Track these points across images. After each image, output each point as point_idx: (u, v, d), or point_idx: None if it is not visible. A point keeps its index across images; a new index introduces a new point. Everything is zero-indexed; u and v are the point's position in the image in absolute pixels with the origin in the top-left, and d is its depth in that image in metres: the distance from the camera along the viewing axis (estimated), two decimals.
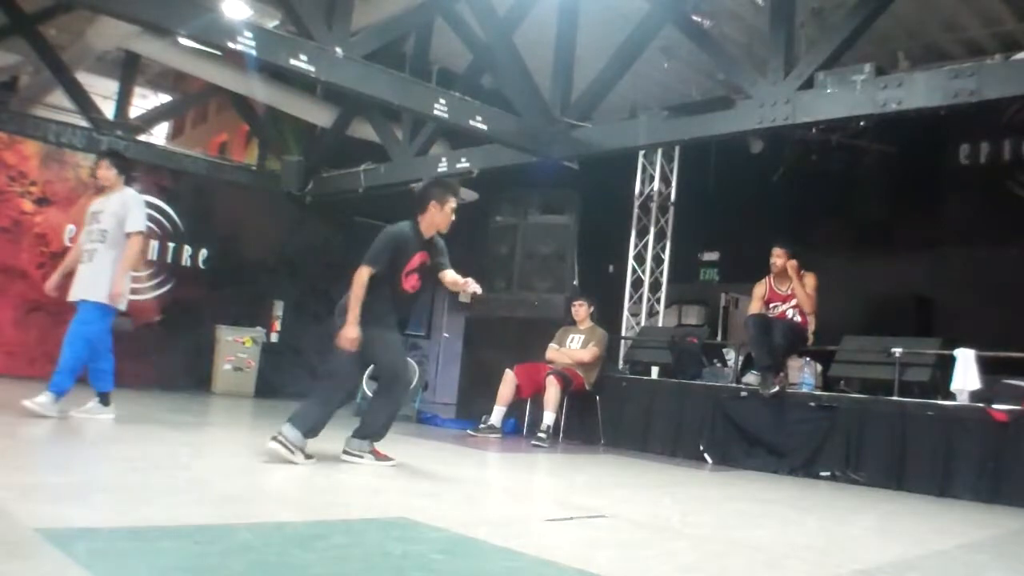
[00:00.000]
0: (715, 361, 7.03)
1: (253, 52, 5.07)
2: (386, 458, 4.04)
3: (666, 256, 8.99)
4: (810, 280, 6.27)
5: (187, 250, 8.94)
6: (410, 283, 4.11)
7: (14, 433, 4.12)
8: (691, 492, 4.73)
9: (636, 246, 9.01)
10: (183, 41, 7.13)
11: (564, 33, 6.95)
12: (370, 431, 4.04)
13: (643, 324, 8.69)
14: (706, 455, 6.13)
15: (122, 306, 4.90)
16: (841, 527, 3.71)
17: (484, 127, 6.39)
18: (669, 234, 9.03)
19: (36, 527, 2.03)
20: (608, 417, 6.92)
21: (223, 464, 3.92)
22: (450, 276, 4.20)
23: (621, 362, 7.93)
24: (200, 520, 2.40)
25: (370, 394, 6.43)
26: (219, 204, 9.23)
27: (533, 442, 6.25)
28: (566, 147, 6.88)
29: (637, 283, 8.94)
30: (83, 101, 8.81)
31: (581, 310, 7.09)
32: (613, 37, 6.84)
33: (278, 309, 9.62)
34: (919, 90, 4.96)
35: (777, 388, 5.83)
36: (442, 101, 6.15)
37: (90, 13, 7.87)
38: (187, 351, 8.78)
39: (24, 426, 4.29)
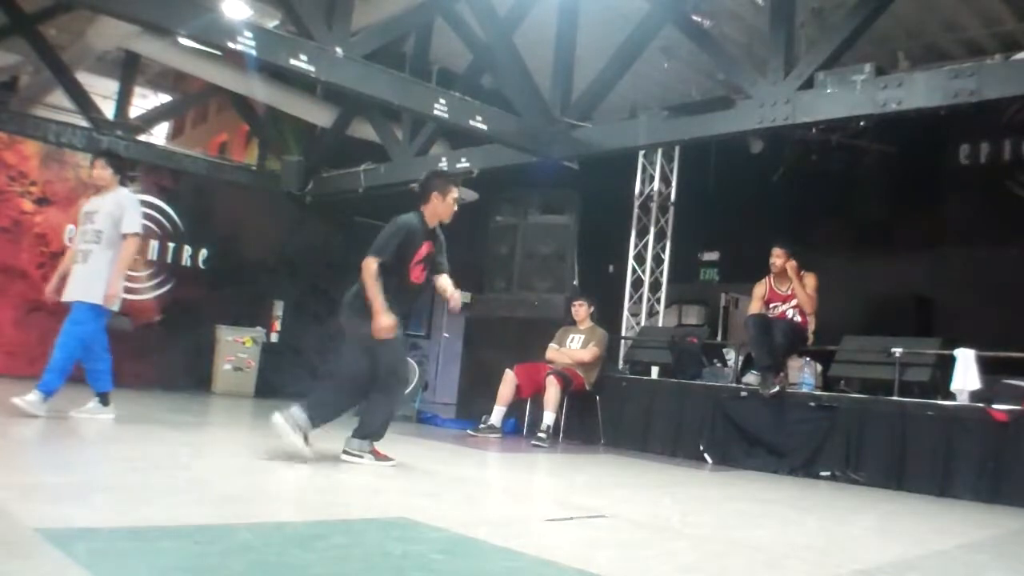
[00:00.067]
0: (715, 361, 7.03)
1: (253, 52, 5.07)
2: (386, 458, 4.03)
3: (666, 256, 8.99)
4: (810, 280, 6.27)
5: (187, 250, 8.94)
6: (416, 274, 4.11)
7: (14, 433, 4.12)
8: (691, 492, 4.73)
9: (636, 246, 9.01)
10: (183, 41, 7.13)
11: (564, 33, 6.95)
12: (369, 431, 4.04)
13: (643, 324, 8.68)
14: (706, 455, 6.13)
15: (115, 307, 4.86)
16: (841, 527, 3.71)
17: (484, 127, 6.39)
18: (669, 234, 9.02)
19: (36, 527, 2.03)
20: (608, 417, 6.92)
21: (223, 464, 3.92)
22: (443, 281, 4.21)
23: (621, 362, 7.93)
24: (200, 520, 2.40)
25: None
26: (219, 204, 9.23)
27: (533, 442, 6.25)
28: (566, 147, 6.88)
29: (637, 283, 8.94)
30: (83, 101, 8.81)
31: (581, 310, 7.09)
32: (613, 37, 6.84)
33: (278, 309, 9.62)
34: (919, 90, 4.96)
35: (777, 388, 5.83)
36: (442, 101, 6.15)
37: (90, 13, 7.87)
38: (187, 351, 8.78)
39: (24, 426, 4.29)
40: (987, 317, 6.79)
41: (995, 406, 4.91)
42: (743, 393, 6.13)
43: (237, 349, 8.75)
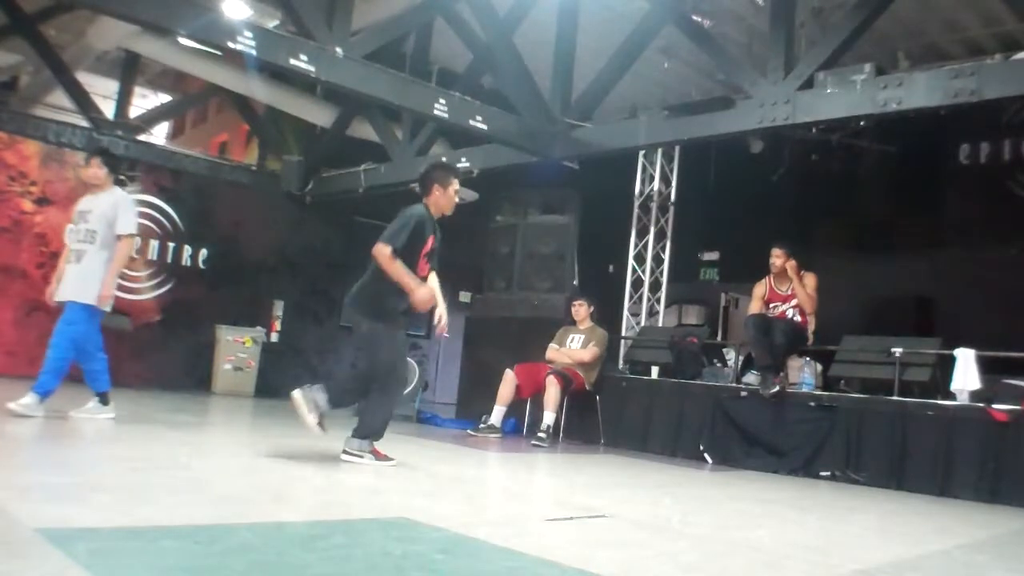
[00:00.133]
0: (715, 361, 7.03)
1: (253, 52, 5.07)
2: (386, 458, 4.03)
3: (666, 256, 8.99)
4: (810, 280, 6.27)
5: (187, 250, 8.94)
6: (422, 267, 4.10)
7: (14, 434, 4.12)
8: (691, 492, 4.73)
9: (636, 246, 9.01)
10: (183, 41, 7.13)
11: (564, 33, 6.95)
12: (369, 430, 4.04)
13: (643, 324, 8.69)
14: (706, 455, 6.12)
15: (107, 307, 4.83)
16: (841, 527, 3.71)
17: (484, 127, 6.39)
18: (669, 234, 9.03)
19: (36, 527, 2.03)
20: (608, 417, 6.92)
21: (223, 464, 3.92)
22: (432, 283, 4.18)
23: (621, 362, 7.92)
24: (200, 520, 2.40)
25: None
26: (219, 204, 9.23)
27: (533, 442, 6.25)
28: (566, 147, 6.88)
29: (637, 283, 8.94)
30: (83, 101, 8.82)
31: (581, 310, 7.08)
32: (613, 37, 6.85)
33: (278, 309, 9.62)
34: (919, 90, 4.96)
35: (777, 388, 5.83)
36: (442, 101, 6.15)
37: (90, 13, 7.88)
38: (187, 351, 8.79)
39: (24, 427, 4.29)
40: (987, 317, 6.79)
41: (995, 406, 4.91)
42: (743, 393, 6.13)
43: (237, 349, 8.75)
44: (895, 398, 5.38)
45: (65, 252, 4.93)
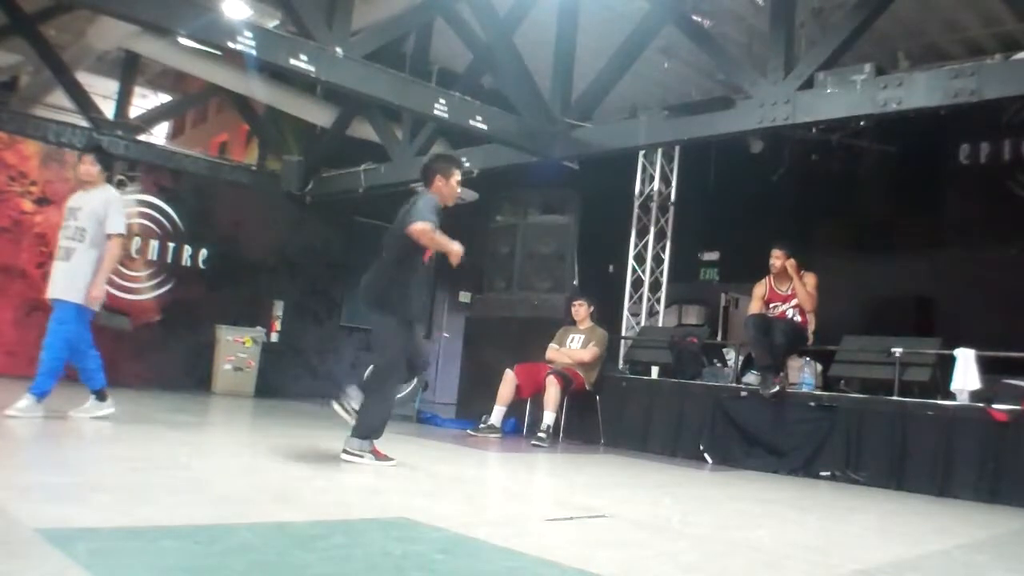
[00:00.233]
0: (715, 361, 7.02)
1: (253, 52, 5.07)
2: (386, 458, 4.03)
3: (666, 256, 8.99)
4: (810, 280, 6.28)
5: (187, 250, 8.94)
6: (429, 254, 4.17)
7: (14, 433, 4.12)
8: (691, 492, 4.73)
9: (636, 246, 9.01)
10: (183, 41, 7.12)
11: (564, 33, 6.95)
12: (368, 430, 4.03)
13: (643, 324, 8.69)
14: (706, 455, 6.12)
15: (97, 307, 4.80)
16: (841, 527, 3.71)
17: (484, 127, 6.39)
18: (669, 234, 9.03)
19: (36, 527, 2.03)
20: (608, 417, 6.92)
21: (223, 464, 3.92)
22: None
23: (621, 362, 7.92)
24: (200, 520, 2.40)
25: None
26: (219, 204, 9.23)
27: (533, 442, 6.25)
28: (566, 147, 6.88)
29: (637, 283, 8.94)
30: (83, 101, 8.82)
31: (581, 310, 7.08)
32: (613, 37, 6.84)
33: (278, 309, 9.62)
34: (919, 90, 4.96)
35: (777, 388, 5.83)
36: (442, 101, 6.15)
37: (90, 13, 7.88)
38: (187, 351, 8.79)
39: (23, 426, 4.29)
40: (987, 317, 6.79)
41: (995, 406, 4.91)
42: (743, 393, 6.13)
43: (237, 349, 8.75)
44: (895, 398, 5.38)
45: (56, 249, 4.89)
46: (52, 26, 8.80)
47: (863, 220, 8.63)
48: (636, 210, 9.07)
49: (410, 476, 3.89)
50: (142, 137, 9.47)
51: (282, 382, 9.34)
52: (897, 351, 5.50)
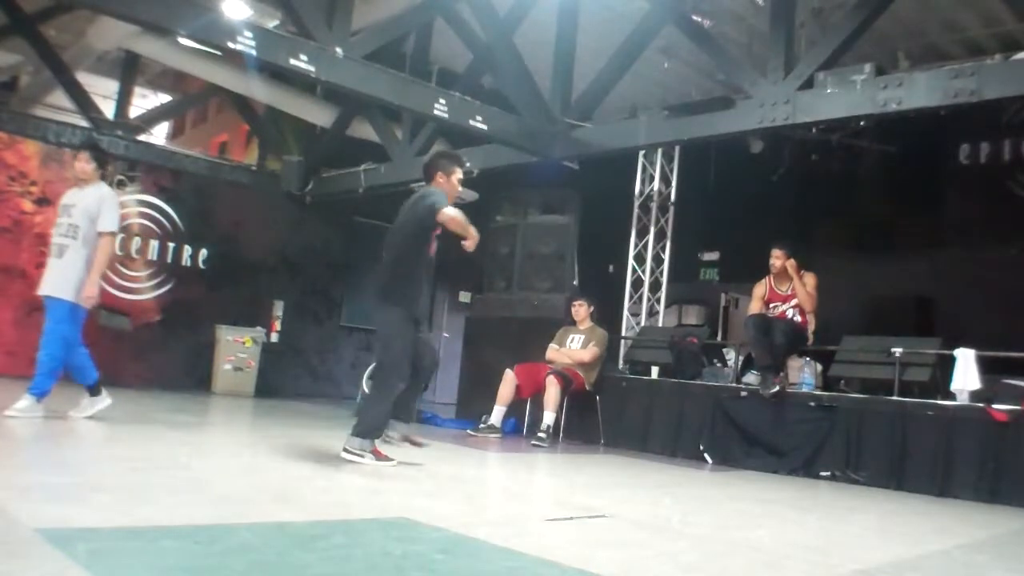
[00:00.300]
0: (715, 361, 7.02)
1: (253, 52, 5.07)
2: (386, 458, 4.03)
3: (666, 256, 8.99)
4: (810, 280, 6.27)
5: (187, 250, 8.94)
6: (433, 248, 4.21)
7: (13, 433, 4.12)
8: (691, 492, 4.73)
9: (636, 246, 9.01)
10: (183, 41, 7.12)
11: (564, 33, 6.95)
12: (368, 429, 4.03)
13: (643, 324, 8.69)
14: (706, 455, 6.12)
15: (90, 306, 4.77)
16: (841, 527, 3.71)
17: (484, 127, 6.39)
18: (669, 234, 9.03)
19: (36, 527, 2.03)
20: (608, 417, 6.92)
21: (223, 464, 3.92)
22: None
23: (621, 362, 7.92)
24: (200, 520, 2.40)
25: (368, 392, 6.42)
26: (219, 204, 9.23)
27: (533, 442, 6.25)
28: (566, 147, 6.88)
29: (637, 283, 8.94)
30: (83, 101, 8.82)
31: (581, 310, 7.08)
32: (613, 37, 6.85)
33: (278, 309, 9.63)
34: (919, 90, 4.96)
35: (777, 388, 5.83)
36: (442, 101, 6.15)
37: (90, 13, 7.88)
38: (187, 351, 8.79)
39: (23, 426, 4.29)
40: (987, 317, 6.79)
41: (995, 406, 4.90)
42: (743, 393, 6.13)
43: (237, 349, 8.75)
44: (895, 398, 5.38)
45: (49, 246, 4.86)
46: (52, 26, 8.80)
47: (863, 220, 8.63)
48: (636, 210, 9.07)
49: (410, 476, 3.89)
50: (142, 137, 9.48)
51: (282, 382, 9.34)
52: (897, 351, 5.50)
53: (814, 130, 7.18)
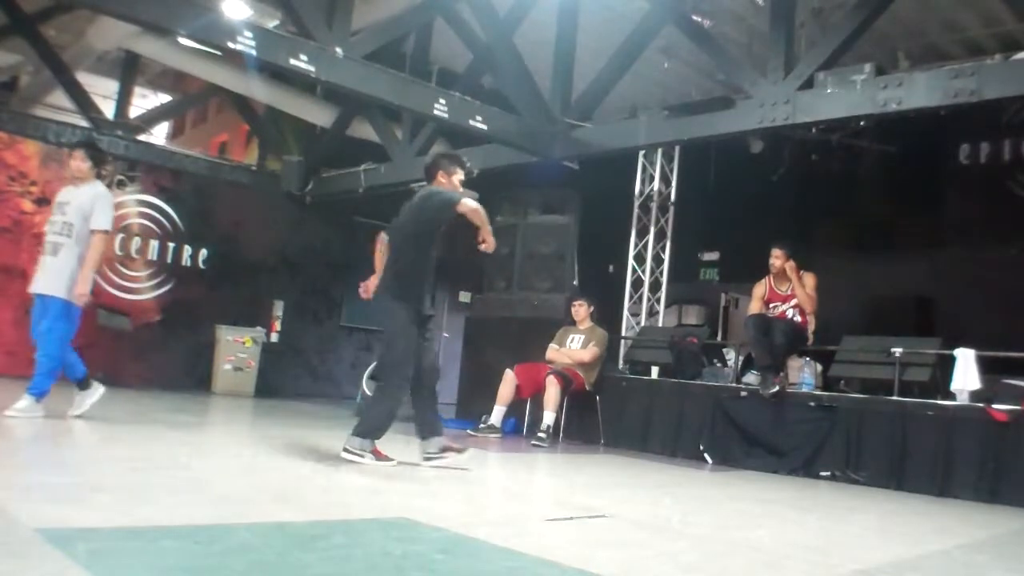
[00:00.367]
0: (715, 361, 7.02)
1: (253, 52, 5.07)
2: (387, 458, 4.03)
3: (666, 256, 8.99)
4: (810, 280, 6.27)
5: (187, 250, 8.94)
6: (437, 246, 4.23)
7: (13, 433, 4.12)
8: (691, 492, 4.73)
9: (636, 246, 9.01)
10: (183, 41, 7.13)
11: (564, 33, 6.95)
12: (370, 429, 4.03)
13: (643, 324, 8.69)
14: (706, 455, 6.12)
15: (83, 304, 4.75)
16: (841, 527, 3.71)
17: (484, 127, 6.40)
18: (669, 234, 9.03)
19: (36, 527, 2.03)
20: (608, 417, 6.91)
21: (223, 464, 3.92)
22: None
23: (621, 362, 7.92)
24: (200, 520, 2.40)
25: (369, 393, 6.45)
26: (219, 204, 9.23)
27: (533, 442, 6.25)
28: (566, 147, 6.88)
29: (637, 283, 8.94)
30: (83, 101, 8.82)
31: (581, 310, 7.08)
32: (613, 37, 6.85)
33: (278, 309, 9.63)
34: (919, 90, 4.96)
35: (777, 388, 5.83)
36: (442, 101, 6.16)
37: (90, 13, 7.88)
38: (187, 351, 8.79)
39: (23, 426, 4.29)
40: (987, 317, 6.79)
41: (995, 406, 4.90)
42: (743, 393, 6.13)
43: (237, 349, 8.75)
44: (895, 398, 5.38)
45: (43, 243, 4.85)
46: (52, 26, 8.80)
47: (863, 220, 8.63)
48: (636, 210, 9.07)
49: (410, 476, 3.89)
50: (142, 137, 9.48)
51: (282, 382, 9.34)
52: (897, 351, 5.50)
53: (814, 130, 7.18)
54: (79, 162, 4.86)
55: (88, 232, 4.74)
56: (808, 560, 2.74)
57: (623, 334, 8.51)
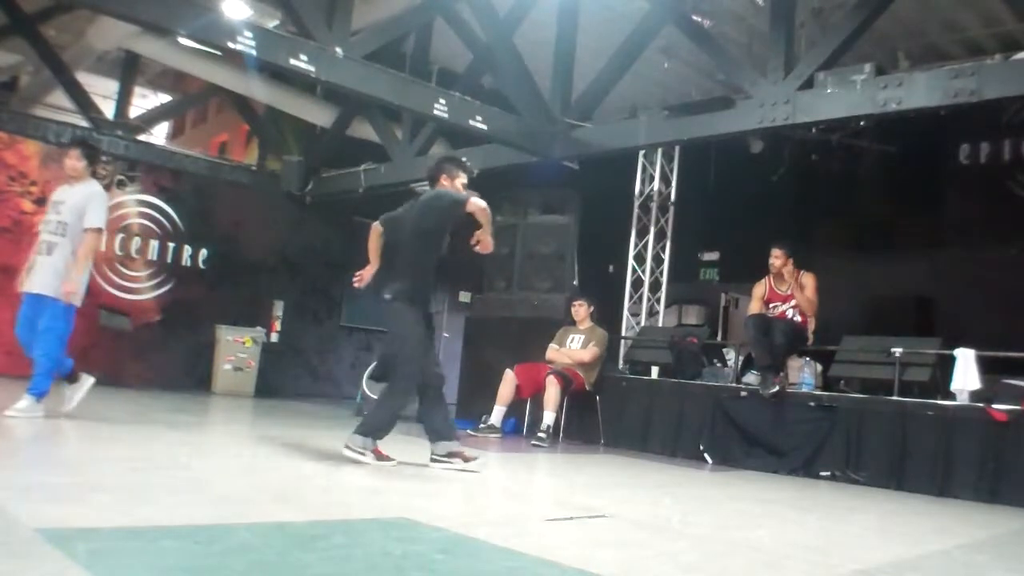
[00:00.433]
0: (715, 361, 7.02)
1: (253, 52, 5.07)
2: (387, 458, 4.03)
3: (666, 256, 8.99)
4: (809, 280, 6.25)
5: (187, 250, 8.94)
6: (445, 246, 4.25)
7: (13, 433, 4.12)
8: (691, 492, 4.73)
9: (636, 246, 9.01)
10: (183, 41, 7.13)
11: (564, 33, 6.95)
12: (372, 428, 4.03)
13: (643, 324, 8.69)
14: (706, 455, 6.12)
15: (76, 303, 4.74)
16: (841, 527, 3.71)
17: (484, 127, 6.40)
18: (669, 234, 9.03)
19: (36, 527, 2.03)
20: (608, 417, 6.91)
21: (223, 464, 3.92)
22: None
23: (621, 362, 7.92)
24: (200, 520, 2.40)
25: (369, 393, 6.45)
26: (219, 204, 9.23)
27: (533, 442, 6.25)
28: (566, 147, 6.88)
29: (637, 283, 8.94)
30: (83, 101, 8.82)
31: (581, 310, 7.08)
32: (613, 37, 6.85)
33: (278, 309, 9.63)
34: (919, 90, 4.96)
35: (777, 388, 5.83)
36: (442, 101, 6.16)
37: (90, 13, 7.88)
38: (187, 351, 8.79)
39: (22, 426, 4.29)
40: (987, 317, 6.80)
41: (995, 406, 4.90)
42: (743, 393, 6.13)
43: (237, 349, 8.75)
44: (895, 398, 5.38)
45: (36, 242, 4.83)
46: (52, 26, 8.80)
47: (863, 220, 8.64)
48: (636, 210, 9.07)
49: (410, 476, 3.89)
50: (142, 137, 9.48)
51: (282, 382, 9.34)
52: (897, 351, 5.50)
53: (814, 130, 7.19)
54: (74, 161, 4.84)
55: (82, 231, 4.73)
56: (808, 560, 2.74)
57: (623, 334, 8.51)
